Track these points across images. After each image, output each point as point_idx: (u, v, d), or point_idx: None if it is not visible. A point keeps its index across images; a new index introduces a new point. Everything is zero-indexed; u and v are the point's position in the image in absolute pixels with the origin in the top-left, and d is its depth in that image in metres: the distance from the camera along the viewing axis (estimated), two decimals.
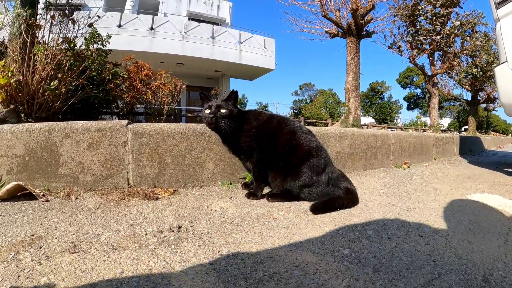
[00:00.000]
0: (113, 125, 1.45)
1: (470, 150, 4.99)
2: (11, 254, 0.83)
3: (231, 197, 1.52)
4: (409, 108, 41.93)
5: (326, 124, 16.39)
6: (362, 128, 8.31)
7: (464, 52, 10.24)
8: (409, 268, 0.90)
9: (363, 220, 1.28)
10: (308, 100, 41.38)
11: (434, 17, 9.41)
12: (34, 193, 1.23)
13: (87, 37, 4.22)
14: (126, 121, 1.51)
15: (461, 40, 10.21)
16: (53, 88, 2.60)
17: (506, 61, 2.22)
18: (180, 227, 1.10)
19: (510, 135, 25.86)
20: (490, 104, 15.72)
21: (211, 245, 0.97)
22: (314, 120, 20.26)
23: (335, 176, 1.53)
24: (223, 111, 1.40)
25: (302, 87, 43.22)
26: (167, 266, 0.81)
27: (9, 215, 1.08)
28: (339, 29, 8.16)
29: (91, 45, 4.34)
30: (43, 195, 1.25)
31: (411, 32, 10.05)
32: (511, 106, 2.29)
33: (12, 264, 0.78)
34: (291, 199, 1.49)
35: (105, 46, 4.75)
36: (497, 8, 2.26)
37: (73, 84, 3.31)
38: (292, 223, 1.21)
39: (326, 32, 8.70)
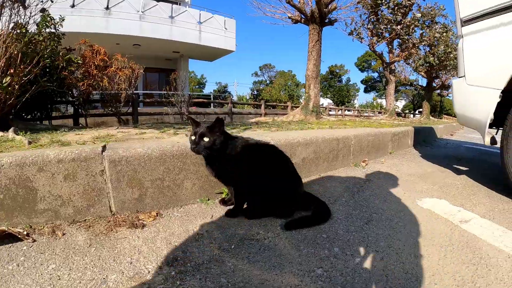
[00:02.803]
0: (87, 154, 1.42)
1: (424, 141, 5.38)
2: None
3: (212, 216, 1.62)
4: (366, 91, 44.01)
5: (285, 107, 16.67)
6: (321, 114, 8.64)
7: (423, 42, 10.87)
8: (368, 284, 1.06)
9: (330, 236, 1.44)
10: (268, 82, 41.49)
11: (396, 7, 9.85)
12: (19, 236, 1.19)
13: (39, 21, 3.88)
14: (100, 148, 1.48)
15: (421, 32, 10.79)
16: (5, 85, 2.43)
17: (464, 76, 2.43)
18: (176, 259, 1.18)
19: None
20: (444, 91, 16.95)
21: (210, 276, 1.08)
22: (274, 103, 20.47)
23: (305, 200, 1.72)
24: (206, 139, 1.44)
25: (262, 68, 43.18)
26: None
27: (2, 267, 1.05)
28: (302, 16, 8.24)
29: (43, 29, 4.00)
30: (28, 235, 1.22)
31: (372, 20, 10.45)
32: (462, 115, 2.57)
33: None
34: (266, 215, 1.64)
35: (58, 29, 4.39)
36: (462, 26, 2.43)
37: (26, 77, 3.07)
38: (272, 243, 1.35)
39: (289, 17, 8.75)
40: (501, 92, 2.09)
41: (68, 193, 1.38)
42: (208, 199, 1.81)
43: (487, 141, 2.27)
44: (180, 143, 1.79)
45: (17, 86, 2.83)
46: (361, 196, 2.09)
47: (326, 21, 8.17)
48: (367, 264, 1.20)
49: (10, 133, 2.84)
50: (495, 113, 2.17)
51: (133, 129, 3.90)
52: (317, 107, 8.16)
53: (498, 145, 2.33)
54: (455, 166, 3.33)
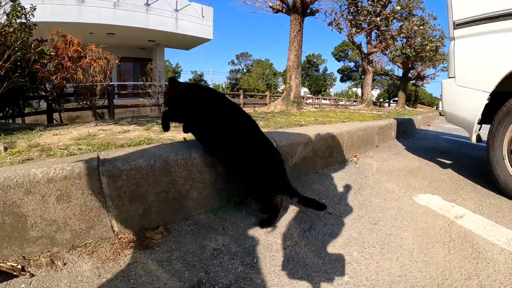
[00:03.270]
0: (81, 170, 1.24)
1: (404, 132, 5.56)
2: None
3: (224, 226, 1.53)
4: (342, 80, 44.68)
5: (264, 97, 16.56)
6: (302, 104, 8.60)
7: (402, 35, 11.03)
8: (391, 287, 1.11)
9: (346, 240, 1.46)
10: (244, 70, 40.92)
11: None
12: (13, 272, 1.01)
13: (9, 12, 3.51)
14: (95, 162, 1.31)
15: (400, 24, 10.92)
16: None
17: (454, 77, 2.53)
18: (201, 282, 1.09)
19: (435, 107, 29.44)
20: (419, 81, 17.39)
21: None
22: (253, 93, 20.30)
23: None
24: None
25: (238, 56, 42.40)
26: None
27: None
28: (284, 5, 8.09)
29: (14, 19, 3.63)
30: (23, 269, 1.04)
31: (351, 10, 10.46)
32: (451, 114, 2.70)
33: None
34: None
35: (29, 20, 4.01)
36: (454, 28, 2.49)
37: None
38: (293, 253, 1.32)
39: (270, 7, 8.55)
40: (489, 95, 2.21)
41: (63, 216, 1.21)
42: (216, 208, 1.72)
43: (474, 139, 2.39)
44: (183, 149, 1.64)
45: None
46: (362, 195, 2.11)
47: (307, 11, 8.07)
48: (386, 265, 1.24)
49: None
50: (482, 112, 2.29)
51: (114, 125, 3.65)
52: (298, 98, 8.14)
53: (483, 142, 2.46)
54: (439, 159, 3.45)
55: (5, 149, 2.18)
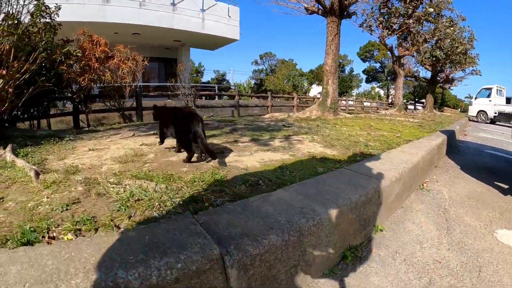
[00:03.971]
0: (199, 265, 0.96)
1: (450, 146, 5.36)
2: None
3: None
4: (367, 81, 43.51)
5: (290, 98, 16.06)
6: (338, 110, 8.07)
7: (435, 37, 10.48)
8: None
9: None
10: (268, 70, 40.21)
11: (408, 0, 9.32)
12: None
13: (33, 11, 3.27)
14: (217, 251, 1.02)
15: (433, 27, 10.37)
16: None
17: None
18: None
19: (459, 110, 28.36)
20: (447, 84, 16.63)
21: None
22: (279, 95, 19.82)
23: None
24: None
25: (262, 56, 41.63)
26: None
27: None
28: (320, 7, 7.63)
29: (38, 19, 3.38)
30: None
31: (382, 11, 9.91)
32: None
33: None
34: None
35: (53, 19, 3.77)
36: None
37: (22, 77, 2.55)
38: None
39: (305, 8, 8.10)
40: None
41: None
42: (334, 268, 1.53)
43: None
44: (306, 208, 1.41)
45: (11, 90, 2.30)
46: (454, 234, 2.05)
47: (345, 13, 7.58)
48: None
49: (8, 153, 2.26)
50: None
51: (155, 137, 3.26)
52: (335, 104, 7.68)
53: None
54: (496, 183, 3.32)
55: (37, 174, 1.85)
